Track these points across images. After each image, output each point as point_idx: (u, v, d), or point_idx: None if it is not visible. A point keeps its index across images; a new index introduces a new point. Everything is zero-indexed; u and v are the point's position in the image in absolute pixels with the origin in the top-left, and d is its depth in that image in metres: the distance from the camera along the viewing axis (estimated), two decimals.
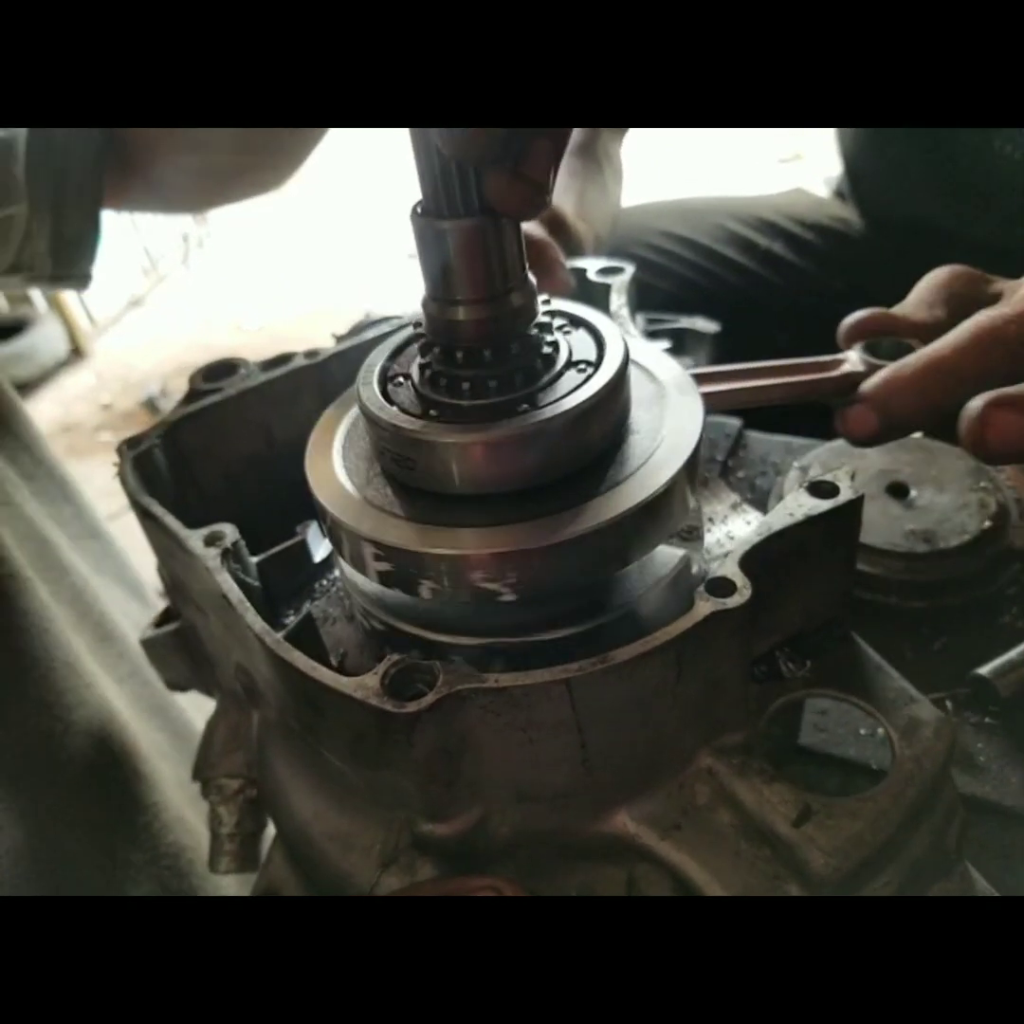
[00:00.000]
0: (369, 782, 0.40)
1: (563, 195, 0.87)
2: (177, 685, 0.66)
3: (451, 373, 0.39)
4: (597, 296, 0.66)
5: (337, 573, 0.50)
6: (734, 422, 0.83)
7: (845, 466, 0.43)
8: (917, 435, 0.76)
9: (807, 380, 0.53)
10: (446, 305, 0.38)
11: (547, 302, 0.42)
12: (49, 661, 0.64)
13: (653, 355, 0.47)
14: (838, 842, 0.37)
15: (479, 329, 0.38)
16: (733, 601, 0.37)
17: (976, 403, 0.42)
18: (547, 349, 0.40)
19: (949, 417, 0.44)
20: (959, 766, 0.55)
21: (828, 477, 0.43)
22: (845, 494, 0.42)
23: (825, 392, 0.52)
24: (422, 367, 0.40)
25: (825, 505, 0.41)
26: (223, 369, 0.60)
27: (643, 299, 0.77)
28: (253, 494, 0.60)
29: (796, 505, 0.41)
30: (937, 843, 0.42)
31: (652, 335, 0.76)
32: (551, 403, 0.38)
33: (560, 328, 0.43)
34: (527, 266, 0.39)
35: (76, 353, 3.82)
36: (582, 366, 0.40)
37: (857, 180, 1.25)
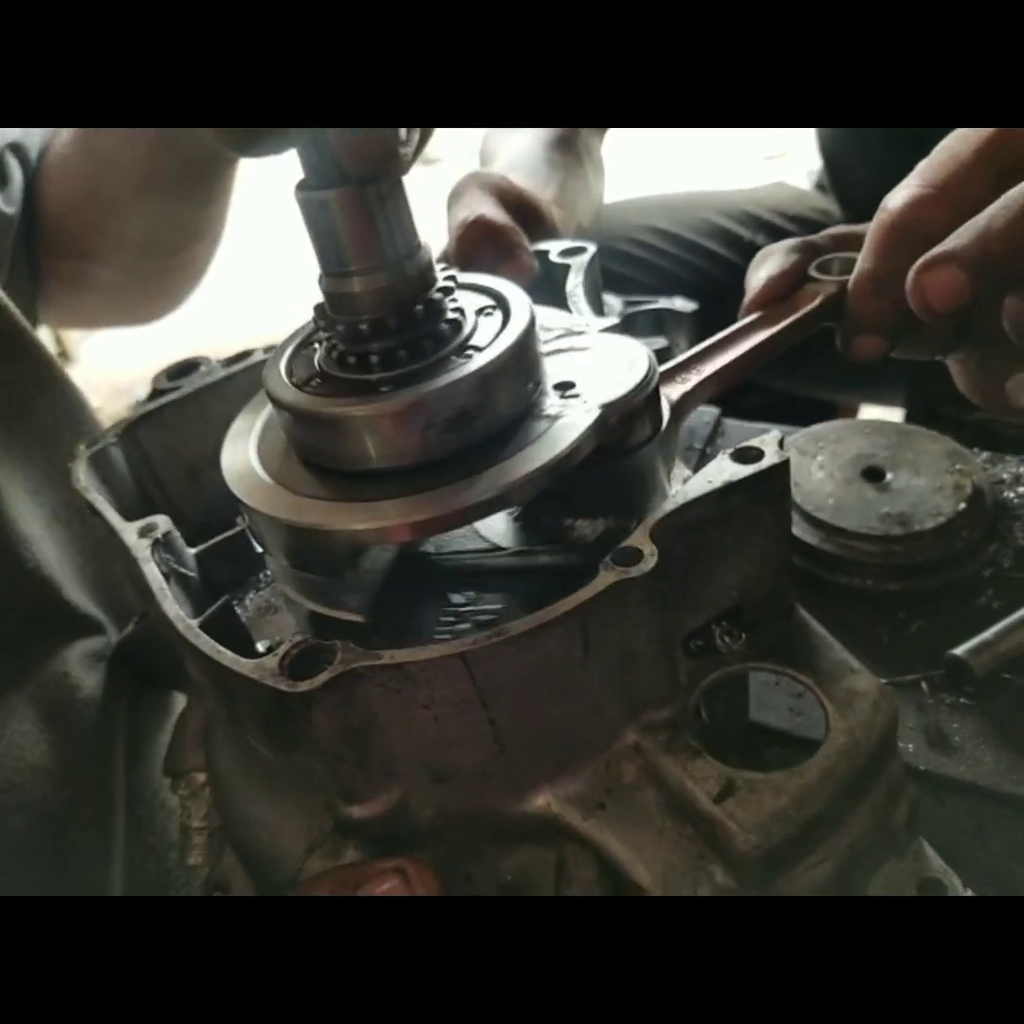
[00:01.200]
0: (287, 766, 0.40)
1: (543, 186, 0.87)
2: (163, 683, 0.67)
3: (357, 349, 0.39)
4: (560, 279, 0.66)
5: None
6: (712, 410, 0.81)
7: (775, 432, 0.42)
8: (895, 420, 0.74)
9: (794, 321, 0.51)
10: (341, 279, 0.38)
11: (446, 270, 0.42)
12: None
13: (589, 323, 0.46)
14: (759, 818, 0.36)
15: (377, 299, 0.38)
16: (638, 569, 0.36)
17: (910, 274, 0.44)
18: (452, 314, 0.39)
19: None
20: (935, 747, 0.53)
21: (754, 442, 0.41)
22: (770, 458, 0.40)
23: (811, 327, 0.51)
24: (328, 349, 0.40)
25: (747, 470, 0.40)
26: (185, 368, 0.61)
27: (628, 293, 0.77)
28: (218, 491, 0.61)
29: (717, 471, 0.40)
30: (881, 821, 0.40)
31: (630, 318, 0.75)
32: (463, 364, 0.38)
33: (474, 307, 0.42)
34: (418, 232, 0.38)
35: (63, 357, 3.89)
36: (488, 310, 0.39)
37: (837, 174, 1.26)
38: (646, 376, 0.42)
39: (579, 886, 0.39)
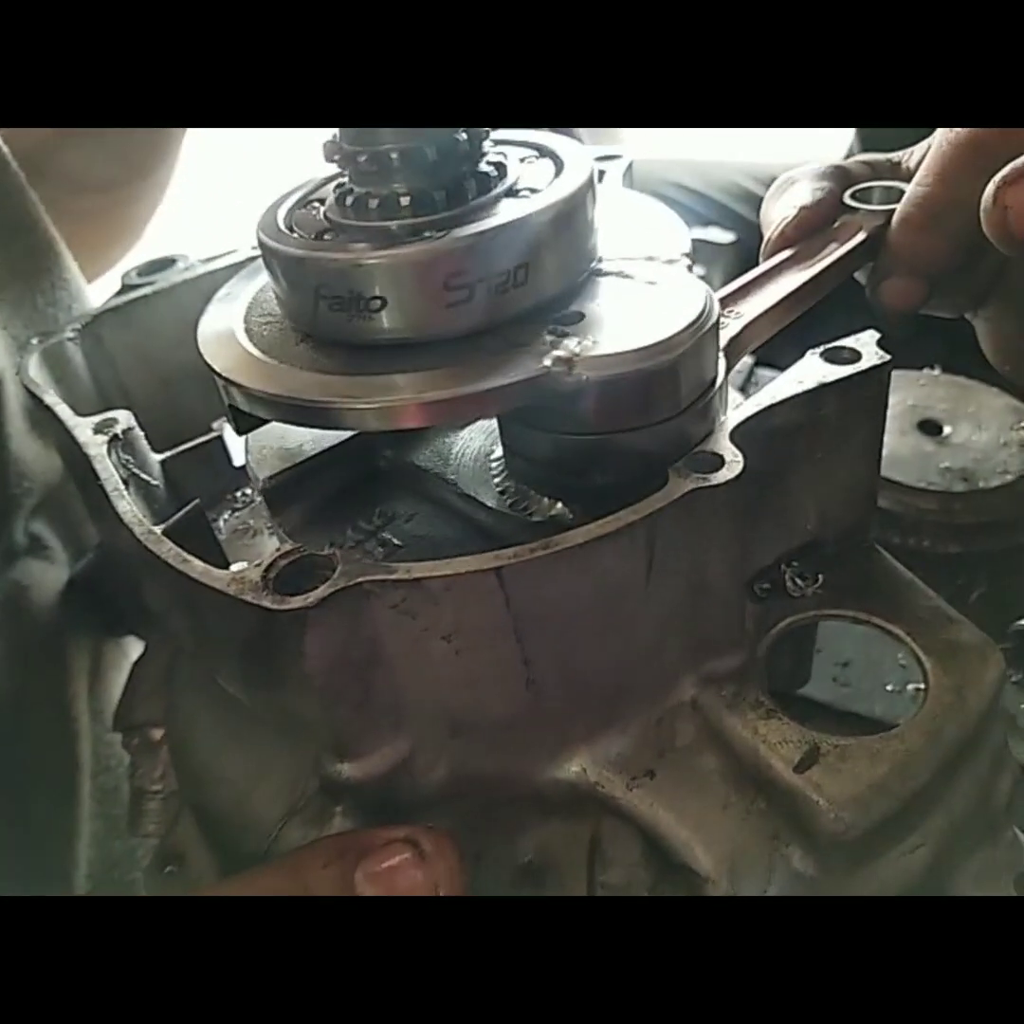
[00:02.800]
0: (266, 709, 0.32)
1: None
2: (118, 627, 0.59)
3: (382, 190, 0.31)
4: None
5: (250, 493, 0.43)
6: (746, 360, 0.74)
7: (871, 332, 0.35)
8: (953, 377, 0.67)
9: (839, 258, 0.43)
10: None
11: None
12: None
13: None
14: (854, 791, 0.29)
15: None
16: (719, 476, 0.29)
17: (988, 191, 0.35)
18: (486, 168, 0.32)
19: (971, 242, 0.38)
20: None
21: (848, 341, 0.34)
22: (868, 359, 0.33)
23: (854, 267, 0.43)
24: (341, 195, 0.33)
25: (843, 371, 0.33)
26: (160, 264, 0.53)
27: None
28: (197, 410, 0.52)
29: (807, 371, 0.33)
30: (983, 798, 0.33)
31: None
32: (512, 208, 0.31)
33: (521, 159, 0.35)
34: None
35: None
36: (525, 193, 0.32)
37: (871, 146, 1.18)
38: (706, 307, 0.31)
39: (618, 871, 0.32)
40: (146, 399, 0.51)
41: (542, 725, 0.31)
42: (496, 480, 0.36)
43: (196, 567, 0.29)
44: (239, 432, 0.35)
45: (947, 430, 0.58)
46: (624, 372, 0.29)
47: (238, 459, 0.43)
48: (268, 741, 0.34)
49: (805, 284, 0.39)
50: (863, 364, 0.33)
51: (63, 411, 0.39)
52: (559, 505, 0.34)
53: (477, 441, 0.38)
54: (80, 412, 0.43)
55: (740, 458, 0.29)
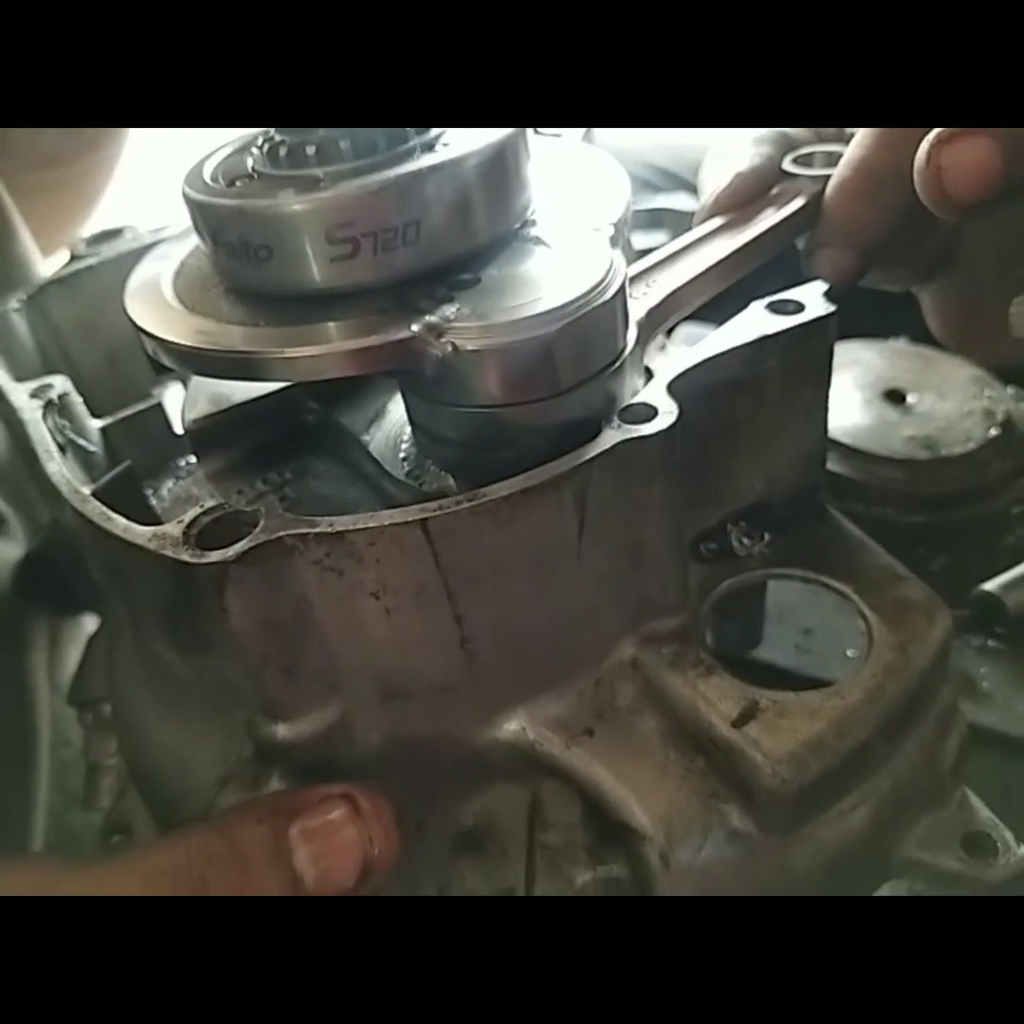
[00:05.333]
0: (199, 675, 0.32)
1: None
2: (73, 605, 0.58)
3: (296, 139, 0.30)
4: None
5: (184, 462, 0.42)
6: None
7: (818, 283, 0.34)
8: (918, 347, 0.67)
9: (774, 226, 0.41)
10: None
11: None
12: None
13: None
14: (791, 746, 0.28)
15: None
16: (651, 427, 0.28)
17: (921, 149, 0.32)
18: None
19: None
20: (962, 694, 0.46)
21: (792, 293, 0.34)
22: (814, 310, 0.33)
23: (791, 235, 0.41)
24: (267, 146, 0.32)
25: (787, 322, 0.32)
26: (109, 234, 0.52)
27: None
28: (143, 383, 0.51)
29: (748, 323, 0.32)
30: (928, 760, 0.33)
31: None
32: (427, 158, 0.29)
33: None
34: None
35: None
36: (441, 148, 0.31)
37: None
38: (603, 280, 0.29)
39: (557, 832, 0.32)
40: (91, 371, 0.50)
41: (478, 687, 0.31)
42: (403, 448, 0.35)
43: (119, 525, 0.28)
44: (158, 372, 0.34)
45: (912, 399, 0.58)
46: (492, 344, 0.27)
47: (179, 427, 0.42)
48: (204, 708, 0.33)
49: (736, 252, 0.37)
50: (807, 315, 0.32)
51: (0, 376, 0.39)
52: (450, 480, 0.32)
53: (399, 411, 0.38)
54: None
55: (674, 409, 0.29)
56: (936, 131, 0.32)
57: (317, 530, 0.27)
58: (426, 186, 0.28)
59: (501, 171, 0.30)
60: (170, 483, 0.41)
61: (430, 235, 0.29)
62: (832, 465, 0.55)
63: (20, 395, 0.37)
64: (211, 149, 0.35)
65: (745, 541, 0.35)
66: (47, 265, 0.61)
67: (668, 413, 0.28)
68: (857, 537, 0.36)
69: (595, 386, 0.29)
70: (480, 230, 0.30)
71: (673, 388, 0.30)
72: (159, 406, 0.41)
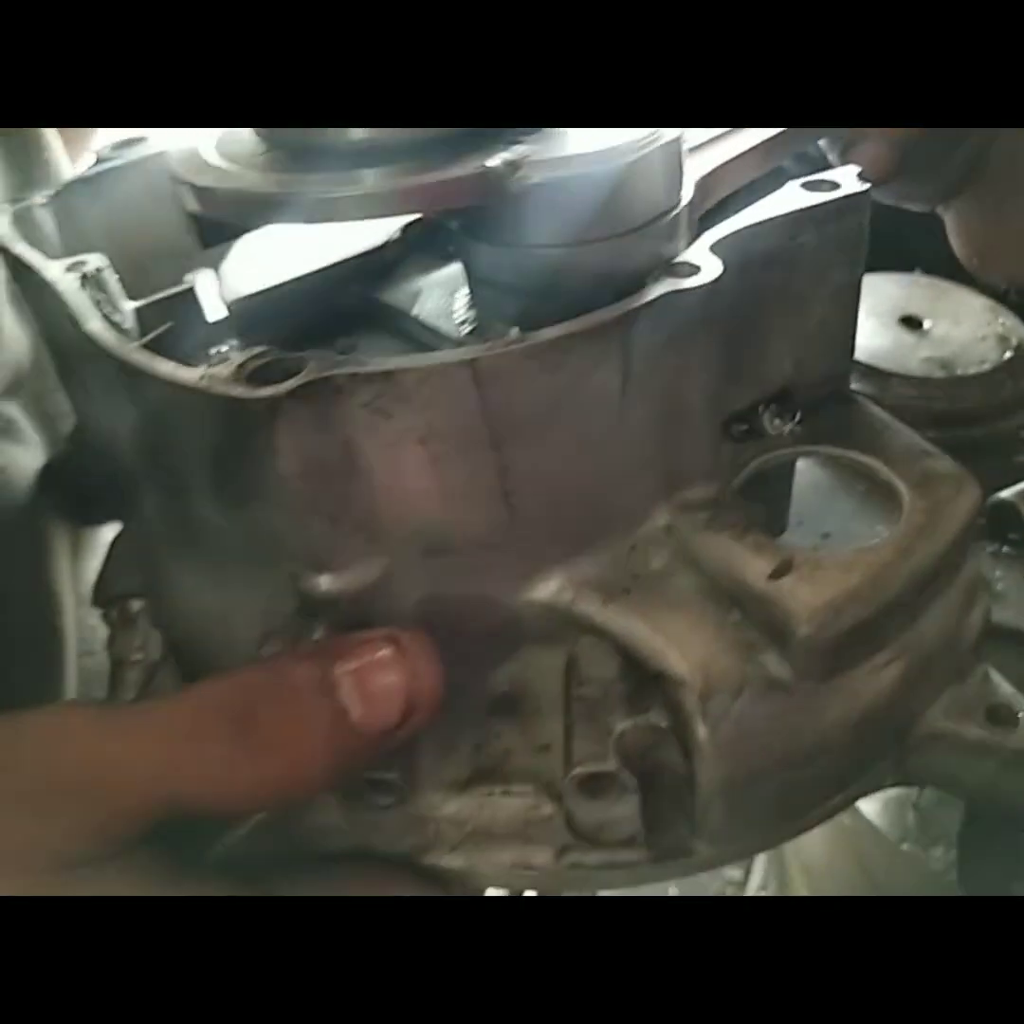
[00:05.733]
0: (244, 531, 0.32)
1: None
2: (94, 515, 0.59)
3: None
4: None
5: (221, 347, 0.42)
6: None
7: (851, 166, 0.34)
8: (933, 279, 0.68)
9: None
10: None
11: None
12: None
13: None
14: (827, 597, 0.29)
15: None
16: (696, 280, 0.29)
17: None
18: None
19: None
20: None
21: (826, 174, 0.34)
22: (848, 187, 0.33)
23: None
24: None
25: (822, 197, 0.33)
26: (132, 141, 0.52)
27: None
28: (164, 284, 0.52)
29: (785, 199, 0.33)
30: (953, 631, 0.34)
31: None
32: None
33: None
34: None
35: None
36: None
37: None
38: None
39: (594, 686, 0.32)
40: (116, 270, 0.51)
41: (519, 544, 0.31)
42: (457, 315, 0.36)
43: (167, 368, 0.28)
44: (204, 245, 0.34)
45: (927, 325, 0.59)
46: (569, 175, 0.29)
47: (211, 315, 0.42)
48: (244, 567, 0.33)
49: (775, 136, 0.38)
50: (842, 192, 0.33)
51: (33, 257, 0.39)
52: (515, 330, 0.33)
53: (442, 284, 0.38)
54: None
55: (717, 267, 0.29)
56: None
57: (367, 369, 0.27)
58: None
59: None
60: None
61: None
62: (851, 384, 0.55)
63: (55, 269, 0.37)
64: None
65: (776, 421, 0.36)
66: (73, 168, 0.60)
67: (712, 269, 0.29)
68: (884, 418, 0.36)
69: (651, 232, 0.30)
70: None
71: (714, 250, 0.30)
72: (192, 290, 0.41)
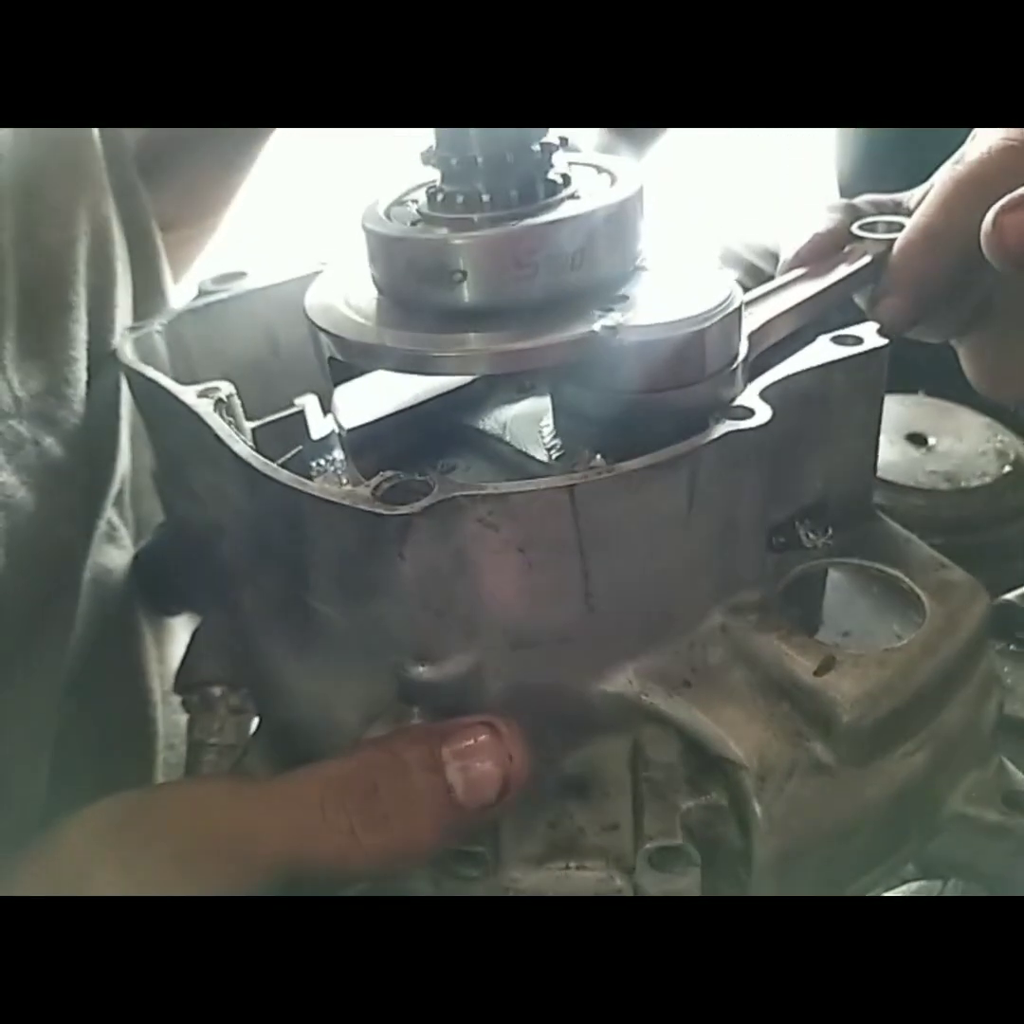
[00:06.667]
0: (356, 624, 0.37)
1: None
2: (175, 605, 0.63)
3: (466, 188, 0.37)
4: None
5: (336, 454, 0.48)
6: None
7: (870, 323, 0.41)
8: (936, 400, 0.75)
9: (845, 277, 0.49)
10: None
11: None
12: None
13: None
14: (866, 689, 0.34)
15: (496, 134, 0.37)
16: (751, 422, 0.35)
17: (988, 216, 0.41)
18: (554, 176, 0.39)
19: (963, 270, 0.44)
20: None
21: (850, 330, 0.41)
22: (870, 342, 0.40)
23: (858, 286, 0.50)
24: (431, 195, 0.39)
25: (849, 351, 0.39)
26: (232, 275, 0.59)
27: None
28: (253, 404, 0.58)
29: (818, 352, 0.39)
30: (972, 722, 0.38)
31: None
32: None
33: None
34: None
35: None
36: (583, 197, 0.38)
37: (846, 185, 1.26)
38: (731, 294, 0.37)
39: (658, 770, 0.37)
40: None
41: (594, 640, 0.36)
42: (545, 440, 0.42)
43: (313, 486, 0.34)
44: (335, 384, 0.40)
45: (932, 441, 0.65)
46: (659, 338, 0.35)
47: (315, 433, 0.48)
48: (350, 657, 0.38)
49: (816, 294, 0.45)
50: (865, 346, 0.39)
51: (167, 381, 0.45)
52: (599, 457, 0.39)
53: (528, 413, 0.44)
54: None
55: (768, 411, 0.35)
56: (1002, 201, 0.40)
57: (485, 492, 0.33)
58: (589, 224, 0.36)
59: (634, 215, 0.38)
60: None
61: (591, 261, 0.36)
62: None
63: (190, 394, 0.43)
64: (371, 200, 0.42)
65: (811, 535, 0.41)
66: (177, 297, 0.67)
67: (763, 412, 0.35)
68: (904, 534, 0.42)
69: (720, 381, 0.36)
70: (624, 259, 0.39)
71: (763, 393, 0.36)
72: (301, 413, 0.48)
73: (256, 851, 0.32)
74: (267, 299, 0.57)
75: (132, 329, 0.53)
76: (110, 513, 0.58)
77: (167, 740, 0.60)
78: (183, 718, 0.61)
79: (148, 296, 0.61)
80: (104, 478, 0.56)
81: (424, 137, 0.39)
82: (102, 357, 0.54)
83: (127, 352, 0.50)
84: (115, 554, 0.57)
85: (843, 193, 1.32)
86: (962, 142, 0.48)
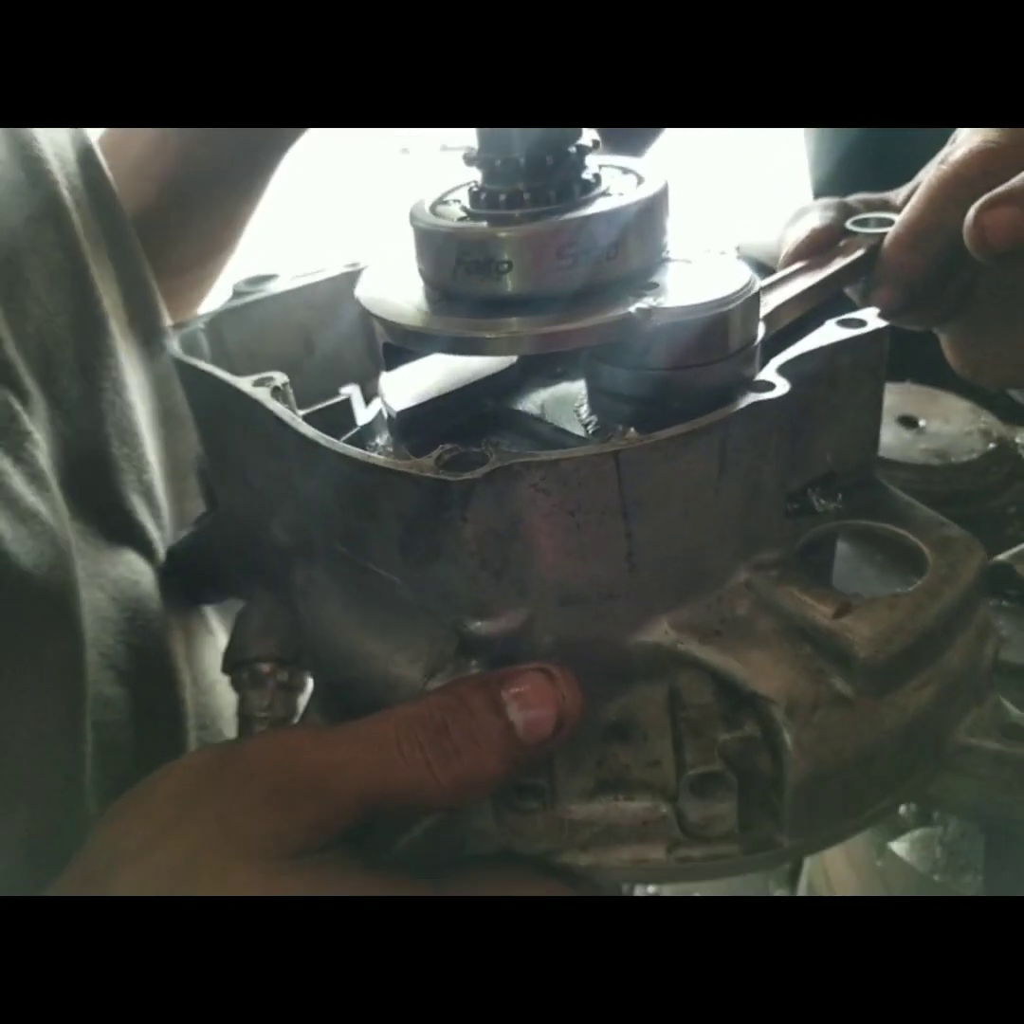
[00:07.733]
0: (417, 585, 0.41)
1: None
2: (207, 595, 0.66)
3: (508, 187, 0.41)
4: None
5: (378, 439, 0.52)
6: None
7: (872, 308, 0.45)
8: (923, 387, 0.80)
9: (841, 268, 0.54)
10: None
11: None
12: None
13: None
14: (879, 629, 0.38)
15: (538, 136, 0.41)
16: (773, 393, 0.39)
17: (970, 213, 0.46)
18: (587, 177, 0.43)
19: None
20: None
21: (854, 315, 0.45)
22: (873, 325, 0.44)
23: (853, 278, 0.54)
24: (474, 195, 0.43)
25: (853, 333, 0.43)
26: (264, 277, 0.63)
27: None
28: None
29: (825, 334, 0.43)
30: (972, 662, 0.42)
31: None
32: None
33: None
34: None
35: None
36: (615, 195, 0.42)
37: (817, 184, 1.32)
38: (751, 280, 0.42)
39: (694, 710, 0.40)
40: None
41: (635, 596, 0.40)
42: (582, 418, 0.46)
43: (381, 458, 0.38)
44: (388, 368, 0.44)
45: (922, 423, 0.70)
46: (688, 320, 0.39)
47: (360, 420, 0.52)
48: (410, 618, 0.42)
49: (815, 285, 0.50)
50: (868, 328, 0.44)
51: (223, 373, 0.48)
52: (632, 430, 0.43)
53: (561, 396, 0.48)
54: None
55: (787, 384, 0.39)
56: (983, 198, 0.45)
57: (538, 459, 0.36)
58: (623, 219, 0.40)
59: (661, 210, 0.42)
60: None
61: (625, 253, 0.40)
62: None
63: (246, 384, 0.47)
64: (416, 200, 0.46)
65: (822, 501, 0.45)
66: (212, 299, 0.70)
67: (783, 385, 0.39)
68: (905, 498, 0.46)
69: (741, 358, 0.40)
70: (653, 251, 0.43)
71: (780, 371, 0.40)
72: (348, 400, 0.51)
73: (341, 786, 0.36)
74: (300, 298, 0.61)
75: (177, 326, 0.56)
76: (143, 518, 0.60)
77: (198, 720, 0.63)
78: (210, 701, 0.64)
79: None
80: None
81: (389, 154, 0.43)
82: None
83: (176, 348, 0.53)
84: (148, 550, 0.60)
85: (817, 196, 1.37)
86: (928, 147, 0.53)
